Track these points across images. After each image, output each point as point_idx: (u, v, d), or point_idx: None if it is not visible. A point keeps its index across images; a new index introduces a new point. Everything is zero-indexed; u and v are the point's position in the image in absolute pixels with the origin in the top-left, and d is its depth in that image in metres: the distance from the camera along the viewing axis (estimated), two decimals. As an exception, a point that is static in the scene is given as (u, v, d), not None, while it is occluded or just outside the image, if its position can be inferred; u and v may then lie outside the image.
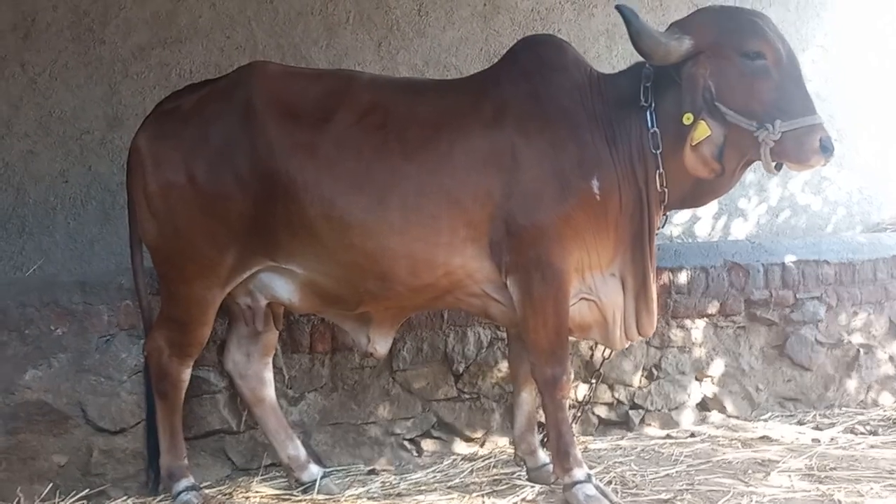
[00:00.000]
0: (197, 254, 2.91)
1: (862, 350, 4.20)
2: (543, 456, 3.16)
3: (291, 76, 3.03)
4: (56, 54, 3.97)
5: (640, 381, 3.93)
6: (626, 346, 3.14)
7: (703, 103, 2.71)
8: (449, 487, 3.14)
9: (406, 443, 3.61)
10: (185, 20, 4.14)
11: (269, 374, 3.20)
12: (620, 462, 3.35)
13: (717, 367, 4.04)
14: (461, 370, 3.70)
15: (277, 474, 3.32)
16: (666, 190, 2.87)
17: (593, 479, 2.90)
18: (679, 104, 2.75)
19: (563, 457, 2.89)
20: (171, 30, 4.13)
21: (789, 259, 4.10)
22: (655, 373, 3.94)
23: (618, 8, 2.71)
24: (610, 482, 3.07)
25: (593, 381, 3.62)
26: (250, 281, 3.00)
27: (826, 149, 2.69)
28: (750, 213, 4.96)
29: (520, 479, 3.18)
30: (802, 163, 2.73)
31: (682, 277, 3.94)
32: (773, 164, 2.74)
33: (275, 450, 3.18)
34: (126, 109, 4.04)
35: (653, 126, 2.83)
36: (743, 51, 2.73)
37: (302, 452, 3.18)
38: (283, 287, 2.99)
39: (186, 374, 3.05)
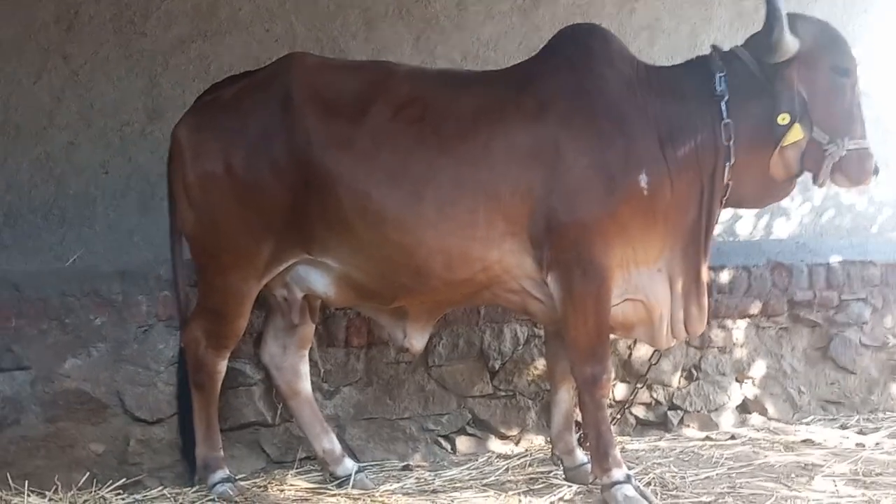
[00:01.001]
0: (234, 245, 2.90)
1: (908, 353, 4.10)
2: (581, 455, 3.12)
3: (330, 68, 3.01)
4: (97, 46, 3.99)
5: (680, 382, 3.87)
6: (673, 344, 3.08)
7: (798, 107, 2.76)
8: (484, 485, 3.11)
9: (441, 439, 3.59)
10: (225, 13, 4.13)
11: (305, 367, 3.19)
12: (659, 463, 3.29)
13: (759, 369, 3.97)
14: (497, 367, 3.66)
15: (312, 468, 3.31)
16: (731, 184, 2.85)
17: (633, 480, 2.85)
18: (764, 102, 2.80)
19: (602, 457, 2.84)
20: (211, 22, 4.12)
21: (834, 259, 4.02)
22: (695, 373, 3.88)
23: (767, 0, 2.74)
24: (649, 483, 3.02)
25: (638, 385, 3.57)
26: (287, 273, 2.99)
27: (876, 171, 2.90)
28: (793, 212, 4.85)
29: (557, 478, 3.14)
30: (858, 182, 2.90)
31: (724, 276, 3.87)
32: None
33: (310, 443, 3.18)
34: (166, 102, 4.05)
35: (727, 117, 2.81)
36: (833, 65, 2.83)
37: (337, 446, 3.16)
38: (319, 280, 2.98)
39: (223, 365, 3.05)
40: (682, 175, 2.84)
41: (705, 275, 2.95)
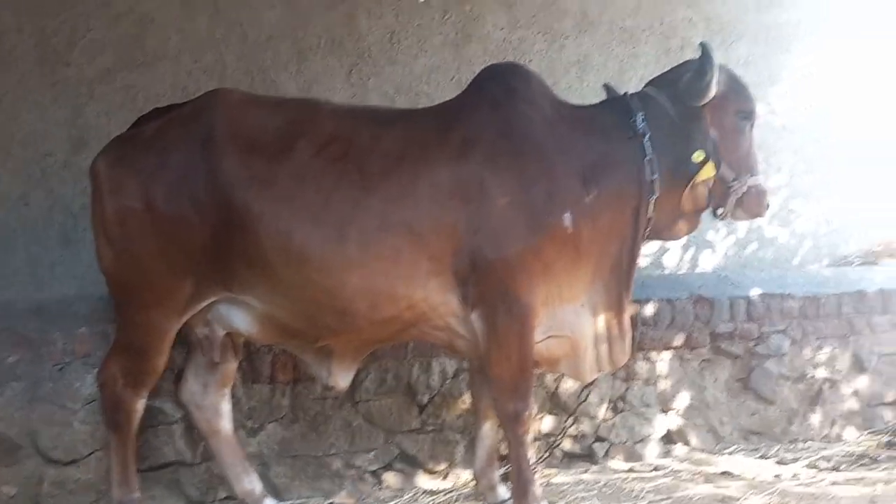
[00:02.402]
0: (154, 281, 2.86)
1: (826, 384, 4.20)
2: (503, 492, 3.14)
3: (254, 105, 2.99)
4: (20, 76, 3.92)
5: (606, 414, 3.92)
6: (596, 377, 3.12)
7: (711, 147, 2.95)
8: (409, 522, 3.10)
9: (368, 475, 3.57)
10: (152, 43, 4.10)
11: (226, 406, 3.15)
12: (583, 497, 3.33)
13: (682, 400, 4.03)
14: (425, 401, 3.66)
15: (234, 508, 3.27)
16: (652, 218, 2.95)
17: (552, 514, 2.88)
18: (679, 140, 2.96)
19: (521, 494, 2.87)
20: (138, 52, 4.09)
21: (754, 292, 4.11)
22: (621, 405, 3.93)
23: (703, 44, 2.93)
24: (570, 519, 3.05)
25: (566, 421, 3.59)
26: (208, 311, 2.96)
27: (768, 206, 3.14)
28: (718, 244, 4.97)
29: (480, 514, 3.16)
30: (756, 215, 3.13)
31: (649, 309, 3.94)
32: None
33: (230, 483, 3.13)
34: (91, 132, 3.99)
35: (649, 154, 2.91)
36: (739, 109, 3.04)
37: (258, 486, 3.13)
38: (241, 318, 2.95)
39: (141, 404, 3.00)
40: (605, 211, 2.90)
41: (628, 308, 3.01)
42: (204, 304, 2.91)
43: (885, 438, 4.06)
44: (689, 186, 2.97)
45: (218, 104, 2.92)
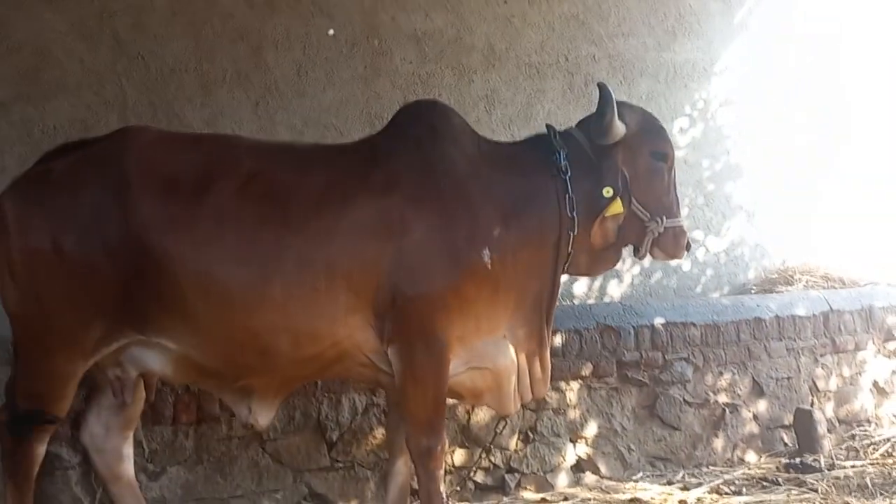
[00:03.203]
0: (59, 325, 2.75)
1: (727, 409, 4.34)
2: None
3: (168, 143, 2.90)
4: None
5: (517, 445, 3.94)
6: (518, 408, 3.15)
7: (621, 183, 3.01)
8: (316, 563, 3.05)
9: (275, 516, 3.50)
10: (50, 75, 3.99)
11: (128, 450, 3.04)
12: (493, 530, 3.33)
13: (591, 429, 4.10)
14: (335, 438, 3.62)
15: (135, 556, 3.14)
16: (571, 253, 3.01)
17: (461, 550, 2.88)
18: (592, 177, 3.02)
19: (432, 529, 2.85)
20: (35, 85, 3.97)
21: (658, 321, 4.22)
22: (531, 435, 3.97)
23: (601, 85, 3.01)
24: (479, 553, 3.05)
25: (482, 453, 3.59)
26: (120, 352, 2.85)
27: (688, 247, 3.20)
28: (624, 274, 5.10)
29: (390, 552, 3.12)
30: (674, 256, 3.21)
31: (558, 340, 4.00)
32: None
33: (131, 530, 3.02)
34: (-16, 166, 3.85)
35: (570, 191, 2.98)
36: (653, 150, 3.09)
37: (161, 532, 3.03)
38: (155, 360, 2.86)
39: (42, 449, 2.86)
40: (525, 246, 2.95)
41: (548, 340, 3.07)
42: (114, 347, 2.81)
43: (784, 461, 4.20)
44: (597, 221, 3.03)
45: (130, 143, 2.83)
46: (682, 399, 4.25)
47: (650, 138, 3.10)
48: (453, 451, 3.78)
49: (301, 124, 4.47)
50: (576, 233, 2.99)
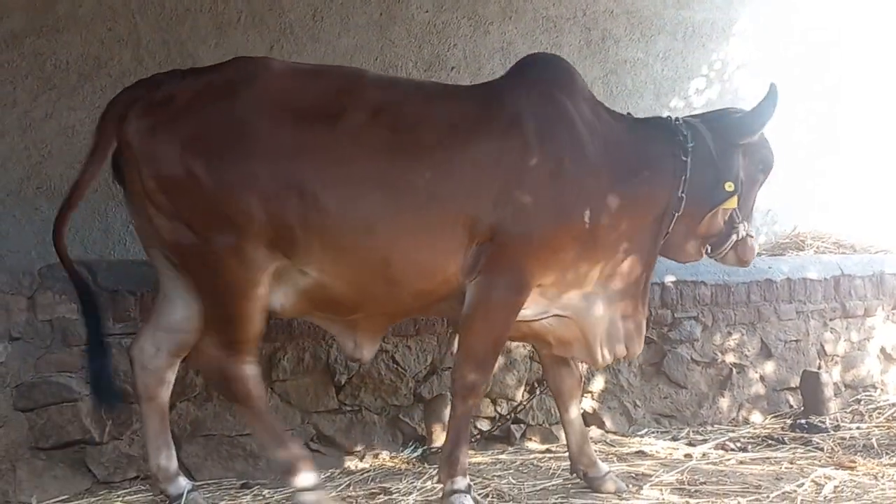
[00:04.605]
0: (218, 247, 2.68)
1: (735, 369, 4.34)
2: (604, 466, 3.20)
3: (294, 73, 2.87)
4: (-83, 36, 3.72)
5: (523, 396, 3.94)
6: (609, 362, 3.18)
7: (739, 182, 3.10)
8: (324, 501, 3.04)
9: (282, 456, 3.49)
10: (63, 8, 3.93)
11: (171, 376, 2.97)
12: (499, 475, 3.33)
13: (598, 384, 4.10)
14: (343, 381, 3.62)
15: (142, 488, 3.15)
16: (670, 231, 3.07)
17: (472, 491, 2.88)
18: (712, 169, 3.06)
19: (452, 462, 2.87)
20: (47, 18, 3.91)
21: (669, 279, 4.21)
22: (538, 387, 3.96)
23: (772, 86, 3.09)
24: (487, 495, 3.05)
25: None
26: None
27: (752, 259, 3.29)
28: (634, 233, 5.07)
29: (397, 492, 3.12)
30: (744, 262, 3.26)
31: (567, 294, 3.98)
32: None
33: (147, 454, 2.99)
34: (-6, 98, 3.80)
35: (687, 174, 3.03)
36: (762, 160, 3.22)
37: (173, 464, 2.99)
38: (277, 294, 2.81)
39: (251, 368, 2.79)
40: (629, 215, 2.98)
41: (643, 305, 3.15)
42: (270, 269, 2.74)
43: (790, 422, 4.21)
44: (711, 212, 3.09)
45: (260, 73, 2.79)
46: (689, 357, 4.25)
47: (763, 149, 3.22)
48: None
49: (315, 69, 4.41)
50: (679, 213, 3.04)
